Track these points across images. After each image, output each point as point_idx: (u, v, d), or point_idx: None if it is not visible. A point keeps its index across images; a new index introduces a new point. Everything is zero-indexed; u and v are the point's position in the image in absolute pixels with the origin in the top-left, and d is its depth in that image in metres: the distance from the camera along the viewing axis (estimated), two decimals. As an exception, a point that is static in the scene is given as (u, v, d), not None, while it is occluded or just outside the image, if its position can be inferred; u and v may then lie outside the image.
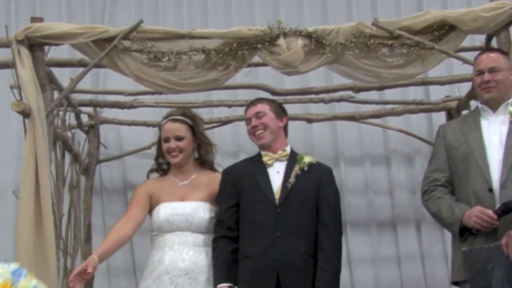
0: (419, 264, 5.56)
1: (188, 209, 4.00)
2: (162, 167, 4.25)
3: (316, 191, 3.94)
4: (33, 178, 3.91)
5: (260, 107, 4.05)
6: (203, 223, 4.01)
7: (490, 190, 3.64)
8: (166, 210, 4.00)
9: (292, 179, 3.92)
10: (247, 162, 4.16)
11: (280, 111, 4.11)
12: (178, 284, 3.87)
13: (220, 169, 4.23)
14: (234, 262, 3.91)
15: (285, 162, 4.00)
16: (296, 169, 3.96)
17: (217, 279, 3.87)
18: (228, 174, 4.09)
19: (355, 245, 5.60)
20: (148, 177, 4.29)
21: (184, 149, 4.10)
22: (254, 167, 4.02)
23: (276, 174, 3.97)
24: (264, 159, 4.01)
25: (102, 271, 5.40)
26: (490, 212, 3.55)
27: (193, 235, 3.98)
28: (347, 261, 5.55)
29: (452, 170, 3.81)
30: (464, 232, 3.67)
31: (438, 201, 3.80)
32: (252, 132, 4.05)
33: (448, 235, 4.42)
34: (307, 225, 3.88)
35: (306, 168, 3.97)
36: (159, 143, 4.21)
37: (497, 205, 3.58)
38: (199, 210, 4.02)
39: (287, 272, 3.77)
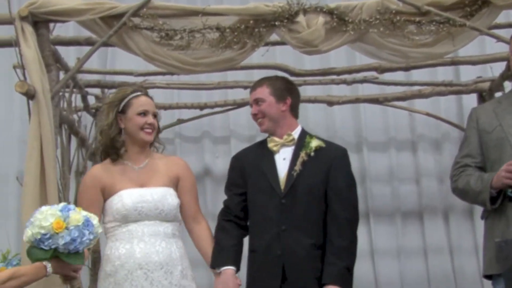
0: (447, 257, 5.58)
1: (156, 195, 3.94)
2: (117, 150, 4.04)
3: (325, 177, 3.90)
4: (38, 163, 3.91)
5: (259, 92, 4.04)
6: (172, 211, 3.97)
7: None
8: (131, 198, 3.91)
9: (298, 167, 3.90)
10: (256, 147, 4.15)
11: (282, 92, 4.06)
12: (154, 279, 3.83)
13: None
14: (240, 250, 3.94)
15: (292, 147, 3.98)
16: (302, 155, 3.93)
17: (222, 261, 3.87)
18: (236, 160, 4.11)
19: (379, 237, 5.63)
20: (102, 159, 4.15)
21: (155, 128, 4.06)
22: (262, 153, 4.02)
23: (283, 161, 3.96)
24: (270, 145, 4.00)
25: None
26: None
27: (163, 225, 3.94)
28: (370, 253, 5.59)
29: (485, 156, 3.79)
30: (495, 201, 3.66)
31: (468, 177, 3.80)
32: (254, 119, 4.07)
33: (479, 226, 4.41)
34: (315, 216, 3.87)
35: (312, 154, 3.94)
36: (116, 119, 4.02)
37: None
38: (167, 196, 3.97)
39: (292, 268, 3.79)
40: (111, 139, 4.03)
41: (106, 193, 3.98)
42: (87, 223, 3.39)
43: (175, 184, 4.05)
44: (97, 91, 5.41)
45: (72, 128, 4.84)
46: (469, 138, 3.90)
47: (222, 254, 3.89)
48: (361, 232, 5.57)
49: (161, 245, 3.88)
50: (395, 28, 4.20)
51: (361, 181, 5.65)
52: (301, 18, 4.15)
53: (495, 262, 3.64)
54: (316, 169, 3.90)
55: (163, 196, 3.95)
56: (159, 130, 4.14)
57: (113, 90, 5.32)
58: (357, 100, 5.51)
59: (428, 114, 5.57)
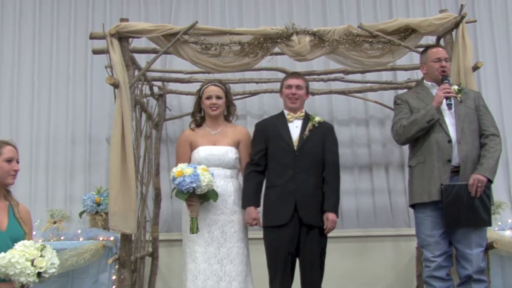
0: (386, 195, 5.56)
1: (221, 151, 4.01)
2: (197, 120, 4.20)
3: (323, 141, 3.98)
4: (120, 130, 3.97)
5: (301, 81, 4.08)
6: (231, 162, 4.03)
7: (449, 141, 3.65)
8: (205, 152, 4.00)
9: (306, 132, 3.96)
10: (273, 118, 4.15)
11: (308, 89, 4.15)
12: (214, 204, 3.90)
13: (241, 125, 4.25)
14: (259, 191, 3.96)
15: (301, 120, 4.02)
16: (309, 125, 3.98)
17: (248, 202, 3.91)
18: (260, 126, 4.12)
19: (343, 182, 5.51)
20: (190, 127, 4.23)
21: (220, 106, 4.10)
22: (279, 122, 4.03)
23: (295, 128, 3.99)
24: (288, 117, 4.04)
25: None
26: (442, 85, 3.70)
27: (224, 170, 4.00)
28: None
29: None
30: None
31: (409, 117, 3.77)
32: (293, 97, 4.04)
33: (407, 175, 4.40)
34: (317, 166, 3.92)
35: (316, 125, 3.99)
36: (198, 102, 4.17)
37: (454, 154, 3.62)
38: (228, 152, 4.03)
39: (302, 198, 3.83)
40: (192, 113, 4.19)
41: (192, 147, 4.06)
42: (194, 176, 3.65)
43: (237, 145, 4.09)
44: (159, 83, 5.40)
45: (142, 107, 4.86)
46: (403, 110, 3.86)
47: (247, 197, 3.93)
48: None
49: (220, 182, 3.95)
50: (356, 45, 4.22)
51: (332, 145, 5.66)
52: (294, 37, 4.17)
53: (418, 195, 3.70)
54: (317, 134, 3.99)
55: (225, 152, 4.02)
56: (230, 106, 4.19)
57: (170, 83, 5.37)
58: (330, 92, 5.47)
59: (376, 102, 5.53)
